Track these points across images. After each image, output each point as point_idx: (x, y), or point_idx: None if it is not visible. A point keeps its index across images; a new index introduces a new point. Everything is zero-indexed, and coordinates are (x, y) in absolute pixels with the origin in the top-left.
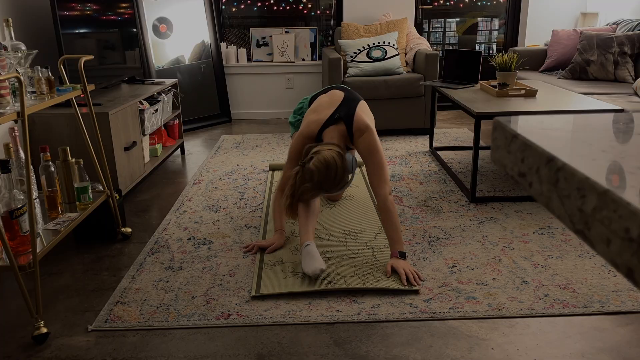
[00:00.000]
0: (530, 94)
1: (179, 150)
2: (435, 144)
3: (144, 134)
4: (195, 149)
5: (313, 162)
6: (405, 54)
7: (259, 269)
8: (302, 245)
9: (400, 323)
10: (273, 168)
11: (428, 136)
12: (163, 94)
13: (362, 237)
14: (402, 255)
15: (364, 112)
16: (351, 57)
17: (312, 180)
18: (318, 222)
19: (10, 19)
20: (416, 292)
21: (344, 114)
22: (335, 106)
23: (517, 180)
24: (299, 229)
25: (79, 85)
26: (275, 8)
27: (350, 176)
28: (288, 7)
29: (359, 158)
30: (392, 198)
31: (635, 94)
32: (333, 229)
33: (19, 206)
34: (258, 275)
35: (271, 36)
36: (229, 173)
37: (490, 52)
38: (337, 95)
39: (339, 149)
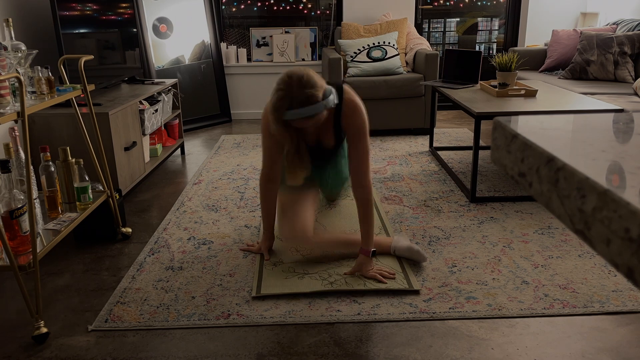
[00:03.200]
0: (530, 94)
1: (179, 150)
2: (435, 144)
3: (144, 134)
4: (195, 149)
5: None
6: (405, 54)
7: (260, 269)
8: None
9: (400, 323)
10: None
11: (428, 136)
12: (163, 94)
13: None
14: (373, 254)
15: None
16: (351, 57)
17: (279, 85)
18: (318, 222)
19: (10, 19)
20: (416, 292)
21: (334, 82)
22: None
23: (517, 180)
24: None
25: (79, 85)
26: (275, 8)
27: (327, 102)
28: (288, 7)
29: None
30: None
31: (635, 94)
32: (333, 229)
33: (19, 206)
34: (258, 275)
35: (271, 36)
36: (229, 173)
37: (490, 52)
38: None
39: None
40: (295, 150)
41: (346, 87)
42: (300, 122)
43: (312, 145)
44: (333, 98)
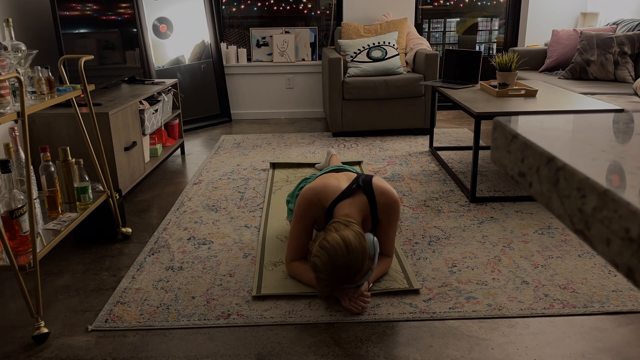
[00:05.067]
0: (530, 94)
1: (179, 150)
2: (435, 144)
3: (144, 134)
4: (195, 149)
5: (327, 238)
6: (405, 54)
7: (260, 270)
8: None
9: (400, 323)
10: (274, 165)
11: (428, 136)
12: (163, 94)
13: None
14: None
15: (381, 181)
16: (351, 57)
17: (324, 263)
18: None
19: (10, 19)
20: (417, 292)
21: (362, 181)
22: (351, 179)
23: (517, 180)
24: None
25: (79, 85)
26: (275, 8)
27: (370, 262)
28: (288, 7)
29: None
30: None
31: (635, 94)
32: None
33: (19, 206)
34: (259, 275)
35: (271, 36)
36: (229, 173)
37: (490, 52)
38: (351, 174)
39: (358, 228)
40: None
41: (375, 180)
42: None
43: None
44: (376, 245)
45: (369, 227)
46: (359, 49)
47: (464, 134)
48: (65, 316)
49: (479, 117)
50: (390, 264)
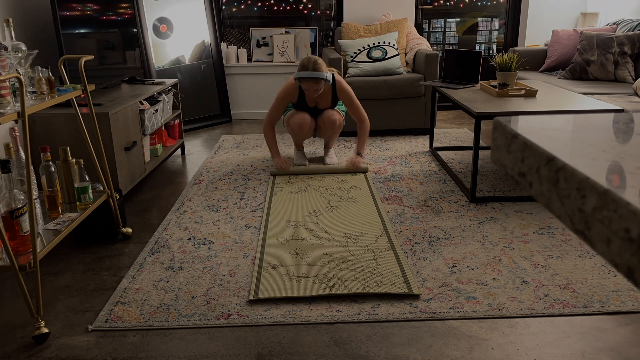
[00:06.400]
0: (530, 94)
1: (179, 150)
2: (435, 144)
3: (144, 134)
4: (196, 149)
5: None
6: (406, 54)
7: (258, 273)
8: (295, 149)
9: (400, 323)
10: (274, 174)
11: (428, 136)
12: (163, 94)
13: (363, 240)
14: (360, 154)
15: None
16: (351, 57)
17: (303, 59)
18: (319, 224)
19: (10, 19)
20: (417, 297)
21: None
22: None
23: (517, 180)
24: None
25: (79, 85)
26: (275, 8)
27: (327, 76)
28: (288, 7)
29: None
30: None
31: (635, 94)
32: (334, 231)
33: (19, 206)
34: (257, 278)
35: (271, 36)
36: (229, 173)
37: (490, 52)
38: None
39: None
40: (299, 106)
41: (335, 74)
42: (307, 82)
43: (311, 107)
44: (329, 77)
45: (328, 102)
46: (359, 49)
47: (464, 134)
48: (66, 316)
49: (479, 117)
50: (368, 122)
